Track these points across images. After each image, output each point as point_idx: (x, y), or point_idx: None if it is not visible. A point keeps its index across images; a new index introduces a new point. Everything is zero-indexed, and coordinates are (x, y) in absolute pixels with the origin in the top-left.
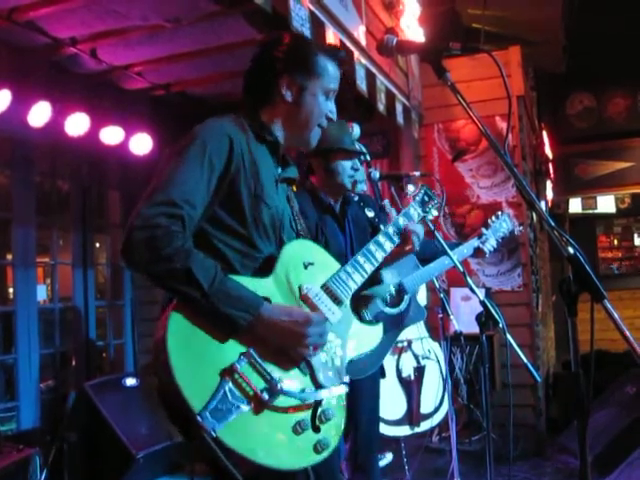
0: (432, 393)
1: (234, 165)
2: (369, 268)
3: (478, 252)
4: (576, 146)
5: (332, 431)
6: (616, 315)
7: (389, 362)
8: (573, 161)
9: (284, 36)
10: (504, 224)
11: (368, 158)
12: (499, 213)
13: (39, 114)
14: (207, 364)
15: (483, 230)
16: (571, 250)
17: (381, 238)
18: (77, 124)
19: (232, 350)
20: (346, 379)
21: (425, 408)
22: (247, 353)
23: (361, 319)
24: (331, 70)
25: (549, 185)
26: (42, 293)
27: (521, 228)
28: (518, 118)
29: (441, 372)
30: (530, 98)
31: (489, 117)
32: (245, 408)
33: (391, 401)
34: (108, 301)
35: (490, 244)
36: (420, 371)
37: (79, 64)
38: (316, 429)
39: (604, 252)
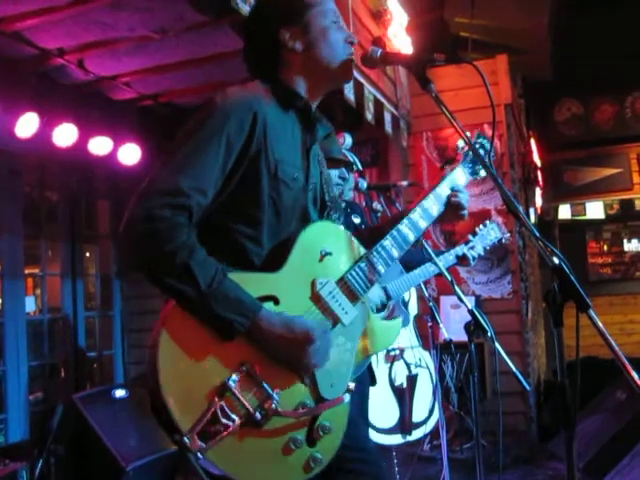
0: (424, 401)
1: (255, 145)
2: (397, 254)
3: (463, 260)
4: (564, 153)
5: (328, 445)
6: (600, 324)
7: (382, 370)
8: (562, 168)
9: None
10: (492, 232)
11: (360, 167)
12: (487, 221)
13: (27, 125)
14: (198, 381)
15: (470, 237)
16: (556, 260)
17: (416, 215)
18: (65, 135)
19: (226, 364)
20: (351, 386)
21: (417, 417)
22: (241, 367)
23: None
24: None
25: (538, 192)
26: (31, 304)
27: (509, 236)
28: (506, 126)
29: (432, 380)
30: (518, 106)
31: (477, 125)
32: (235, 428)
33: (383, 410)
34: (98, 312)
35: (476, 251)
36: (412, 380)
37: (66, 75)
38: (312, 444)
39: (594, 258)
